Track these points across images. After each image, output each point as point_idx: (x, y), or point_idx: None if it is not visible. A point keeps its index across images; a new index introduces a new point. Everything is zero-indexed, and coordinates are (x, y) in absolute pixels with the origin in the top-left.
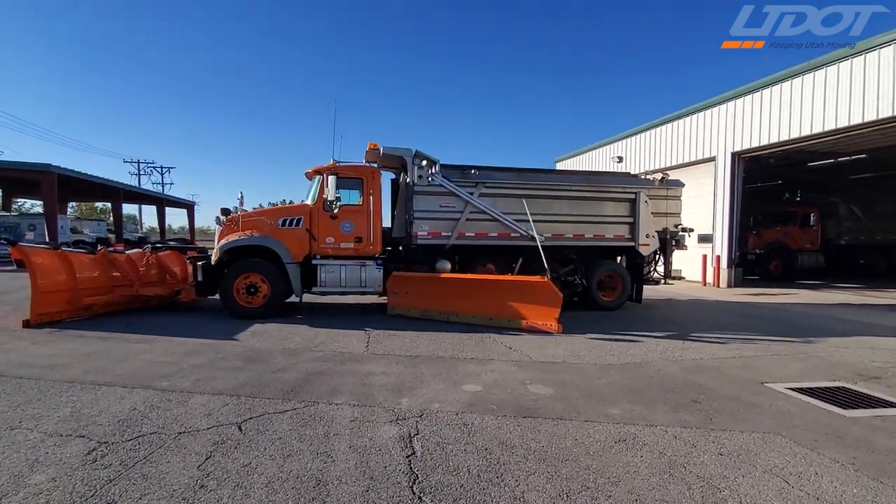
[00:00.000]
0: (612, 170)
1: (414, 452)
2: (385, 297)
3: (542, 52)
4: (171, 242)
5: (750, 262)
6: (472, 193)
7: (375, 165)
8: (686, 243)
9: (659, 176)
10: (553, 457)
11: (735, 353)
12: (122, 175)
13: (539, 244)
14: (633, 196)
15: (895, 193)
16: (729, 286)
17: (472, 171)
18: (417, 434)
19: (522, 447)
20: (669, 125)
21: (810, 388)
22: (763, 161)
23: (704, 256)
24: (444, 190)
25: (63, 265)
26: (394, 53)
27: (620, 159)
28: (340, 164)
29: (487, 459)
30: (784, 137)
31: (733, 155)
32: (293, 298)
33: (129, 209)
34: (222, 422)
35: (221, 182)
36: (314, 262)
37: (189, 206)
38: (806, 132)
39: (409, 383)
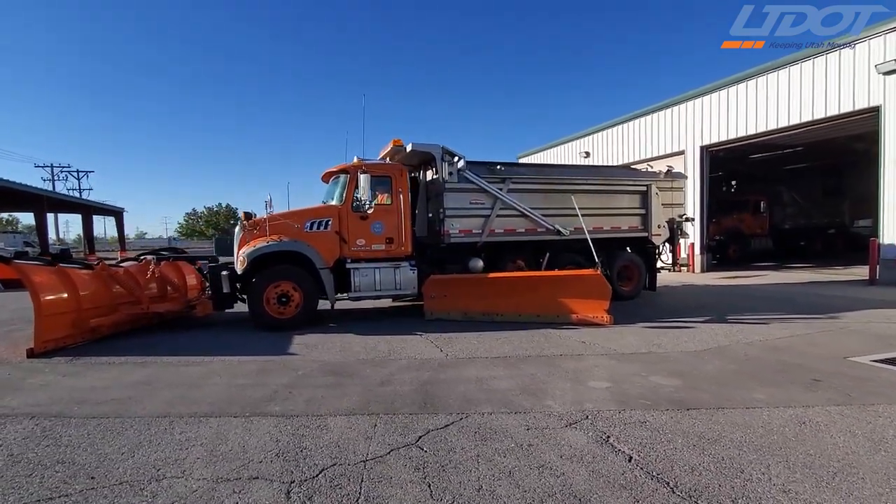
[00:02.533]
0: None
1: (630, 457)
2: (400, 301)
3: (543, 51)
4: (164, 252)
5: (712, 248)
6: (501, 189)
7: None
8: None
9: (665, 168)
10: (765, 446)
11: (787, 332)
12: (31, 181)
13: (589, 238)
14: (644, 188)
15: (822, 181)
16: (702, 271)
17: (499, 167)
18: (610, 437)
19: (725, 439)
20: (638, 120)
21: (891, 359)
22: (713, 154)
23: (679, 244)
24: (475, 187)
25: (64, 283)
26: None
27: (588, 154)
28: (367, 161)
29: (709, 455)
30: (752, 132)
31: (702, 148)
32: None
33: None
34: (394, 444)
35: (146, 188)
36: (348, 265)
37: (117, 214)
38: (773, 126)
39: (533, 385)
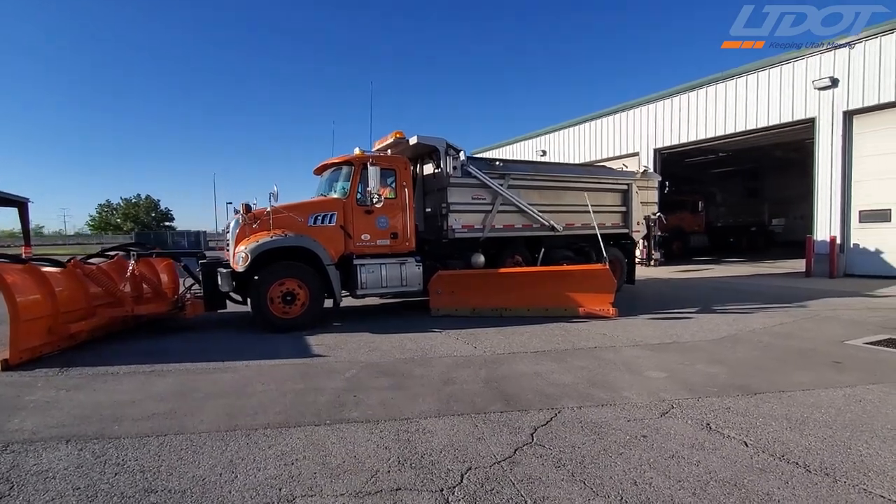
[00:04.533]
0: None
1: (745, 442)
2: (388, 299)
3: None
4: (133, 248)
5: (660, 244)
6: (501, 185)
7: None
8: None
9: (642, 169)
10: (848, 423)
11: (776, 320)
12: None
13: (598, 232)
14: (626, 187)
15: (744, 184)
16: (647, 266)
17: (497, 163)
18: (709, 424)
19: (810, 420)
20: (594, 122)
21: (884, 341)
22: (662, 156)
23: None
24: (477, 182)
25: (37, 283)
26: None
27: (544, 153)
28: (371, 153)
29: (810, 436)
30: (701, 137)
31: (655, 151)
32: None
33: None
34: (513, 443)
35: (39, 179)
36: (355, 261)
37: (21, 204)
38: (721, 132)
39: (594, 377)
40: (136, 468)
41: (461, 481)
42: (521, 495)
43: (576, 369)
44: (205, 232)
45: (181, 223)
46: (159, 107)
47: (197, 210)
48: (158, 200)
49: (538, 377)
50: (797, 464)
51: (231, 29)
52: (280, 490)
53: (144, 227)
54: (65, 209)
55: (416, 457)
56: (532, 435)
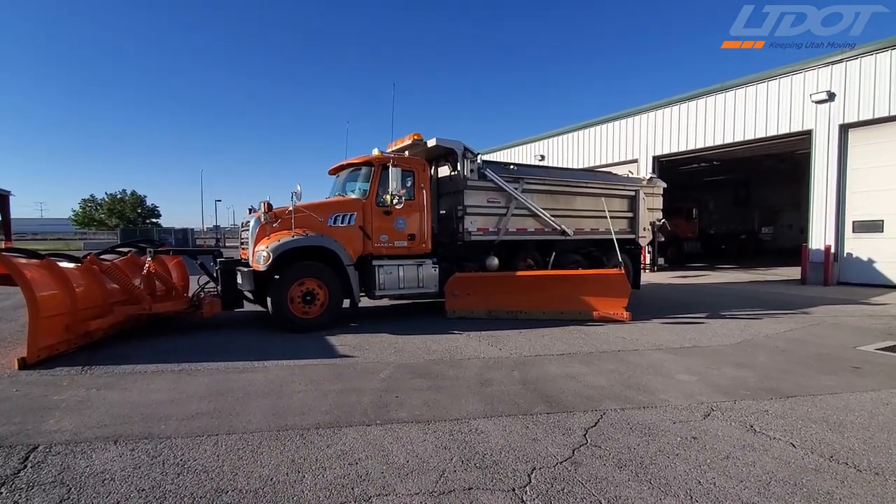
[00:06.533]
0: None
1: (792, 443)
2: (395, 300)
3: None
4: (142, 245)
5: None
6: (516, 189)
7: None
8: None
9: (648, 175)
10: (883, 425)
11: (786, 326)
12: None
13: (614, 237)
14: (633, 193)
15: (734, 193)
16: (652, 271)
17: (512, 167)
18: (753, 426)
19: (846, 423)
20: (594, 128)
21: (894, 347)
22: (661, 164)
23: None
24: (493, 185)
25: (55, 279)
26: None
27: (542, 157)
28: (388, 154)
29: (850, 437)
30: (700, 146)
31: (654, 158)
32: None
33: None
34: (569, 444)
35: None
36: (374, 262)
37: (2, 197)
38: (719, 142)
39: (627, 380)
40: (198, 468)
41: (530, 481)
42: (593, 495)
43: (606, 372)
44: (192, 229)
45: (166, 220)
46: (143, 99)
47: (183, 207)
48: (145, 196)
49: (572, 379)
50: (847, 464)
51: (230, 25)
52: (353, 490)
53: (130, 223)
54: (42, 202)
55: (478, 457)
56: (585, 436)
